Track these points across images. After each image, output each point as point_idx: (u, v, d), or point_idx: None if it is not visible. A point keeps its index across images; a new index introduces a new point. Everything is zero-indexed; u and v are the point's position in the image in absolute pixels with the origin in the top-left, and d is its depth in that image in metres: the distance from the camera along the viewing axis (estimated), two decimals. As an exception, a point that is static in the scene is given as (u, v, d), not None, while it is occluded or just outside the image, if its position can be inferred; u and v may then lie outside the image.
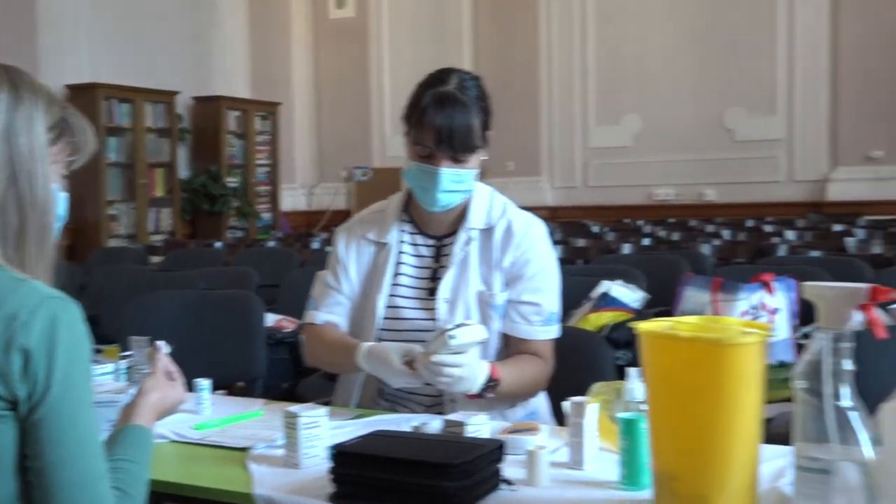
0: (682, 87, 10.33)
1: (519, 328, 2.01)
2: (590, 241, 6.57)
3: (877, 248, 5.32)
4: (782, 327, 2.91)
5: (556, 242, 6.29)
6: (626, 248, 5.81)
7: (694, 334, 1.19)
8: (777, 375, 1.88)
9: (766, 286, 2.98)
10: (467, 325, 1.77)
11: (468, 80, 1.98)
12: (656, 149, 10.48)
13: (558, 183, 11.09)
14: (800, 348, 2.81)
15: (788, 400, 1.24)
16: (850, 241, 5.67)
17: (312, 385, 3.12)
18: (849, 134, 9.65)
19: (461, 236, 2.04)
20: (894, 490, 1.14)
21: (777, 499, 1.27)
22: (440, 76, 1.97)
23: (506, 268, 2.01)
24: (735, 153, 10.17)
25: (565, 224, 8.52)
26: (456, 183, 1.95)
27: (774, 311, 2.94)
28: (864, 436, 1.14)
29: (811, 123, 9.91)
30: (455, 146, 1.92)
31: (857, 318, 1.16)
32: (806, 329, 2.86)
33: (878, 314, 1.17)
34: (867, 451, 1.14)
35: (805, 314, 2.92)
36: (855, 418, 1.14)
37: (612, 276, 3.66)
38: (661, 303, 3.59)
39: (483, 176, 2.06)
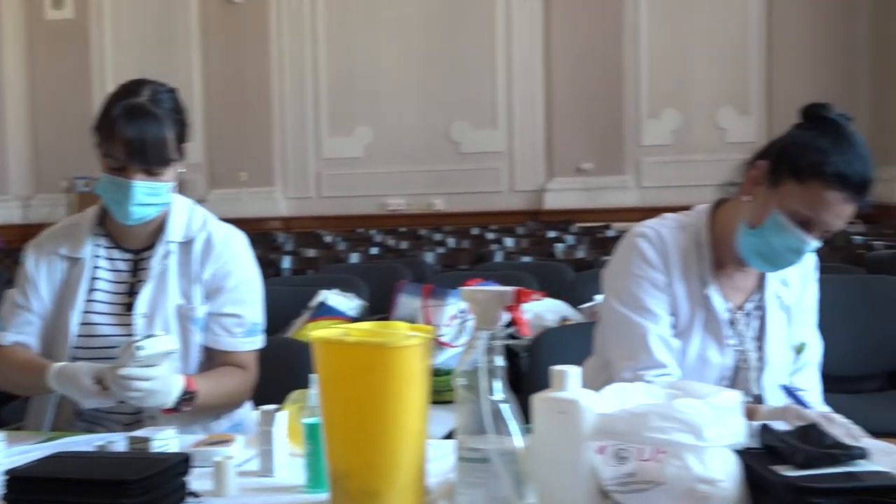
0: (410, 100, 10.67)
1: (221, 340, 2.01)
2: (321, 250, 6.62)
3: (581, 253, 5.77)
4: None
5: (286, 253, 6.29)
6: (355, 258, 5.91)
7: (359, 339, 1.26)
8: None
9: (472, 291, 3.15)
10: (157, 335, 1.75)
11: (162, 92, 1.95)
12: (387, 160, 10.76)
13: (292, 193, 11.08)
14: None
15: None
16: (559, 247, 6.12)
17: (16, 410, 2.94)
18: (562, 147, 10.40)
19: (159, 250, 2.01)
20: (542, 474, 1.27)
21: (446, 489, 1.36)
22: (132, 87, 1.93)
23: (206, 280, 2.01)
24: (461, 164, 10.65)
25: (299, 234, 8.53)
26: (150, 196, 1.92)
27: (480, 315, 3.11)
28: (514, 426, 1.25)
29: (528, 137, 10.58)
30: (148, 159, 1.89)
31: (505, 318, 1.28)
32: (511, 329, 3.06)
33: (525, 314, 1.29)
34: (517, 440, 1.25)
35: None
36: (506, 410, 1.26)
37: (333, 286, 3.71)
38: (382, 310, 3.67)
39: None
